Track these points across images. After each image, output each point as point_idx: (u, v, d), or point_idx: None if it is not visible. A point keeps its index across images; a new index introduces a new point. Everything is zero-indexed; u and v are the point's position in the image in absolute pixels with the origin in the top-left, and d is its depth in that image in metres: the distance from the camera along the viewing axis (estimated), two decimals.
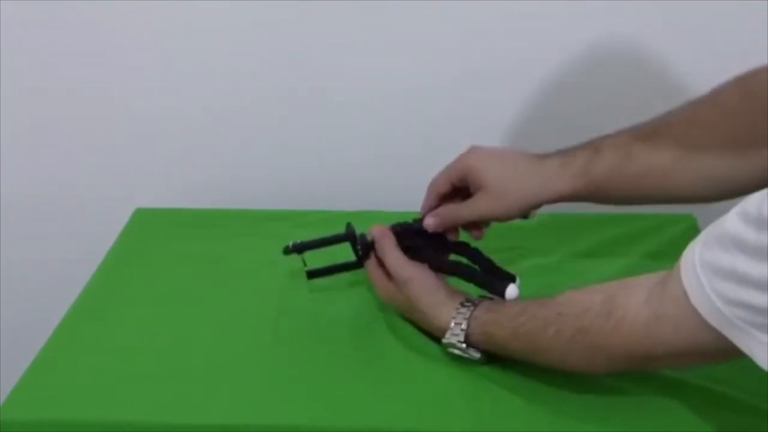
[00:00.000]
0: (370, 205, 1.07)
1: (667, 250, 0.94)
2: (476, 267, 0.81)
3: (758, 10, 0.98)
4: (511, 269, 0.80)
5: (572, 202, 0.78)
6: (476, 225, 0.82)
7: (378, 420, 0.70)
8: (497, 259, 0.82)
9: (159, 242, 1.00)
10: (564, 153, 0.78)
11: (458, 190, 0.81)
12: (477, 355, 0.74)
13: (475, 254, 0.81)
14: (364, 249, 0.84)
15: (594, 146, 0.76)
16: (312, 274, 0.87)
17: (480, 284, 0.79)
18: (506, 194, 0.77)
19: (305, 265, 0.86)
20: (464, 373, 0.75)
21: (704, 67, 1.02)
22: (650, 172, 0.74)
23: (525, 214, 0.80)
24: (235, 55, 1.04)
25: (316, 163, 1.11)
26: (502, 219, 0.80)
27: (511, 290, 0.76)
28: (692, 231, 0.97)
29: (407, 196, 1.06)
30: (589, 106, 1.05)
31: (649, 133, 0.75)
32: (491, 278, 0.79)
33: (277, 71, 1.05)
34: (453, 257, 0.83)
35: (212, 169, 1.13)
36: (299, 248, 0.85)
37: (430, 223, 0.81)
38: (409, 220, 0.85)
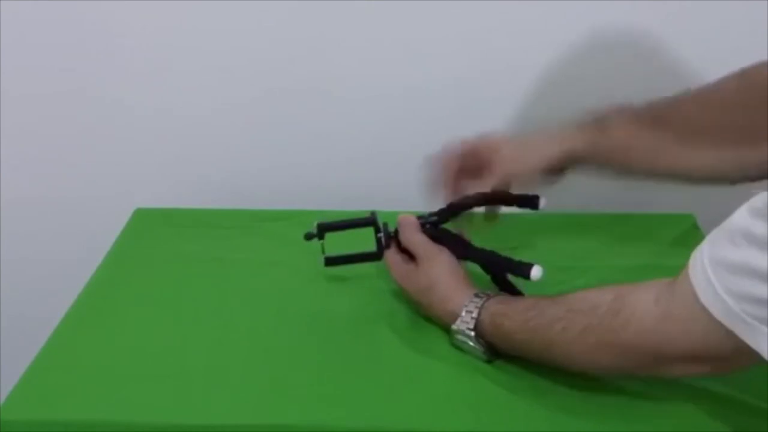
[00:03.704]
0: (369, 205, 1.07)
1: (667, 250, 0.94)
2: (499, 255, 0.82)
3: (758, 10, 0.98)
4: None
5: (586, 163, 0.81)
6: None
7: (378, 420, 0.70)
8: None
9: (159, 242, 1.00)
10: (576, 122, 0.82)
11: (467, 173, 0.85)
12: (481, 348, 0.74)
13: (492, 255, 0.81)
14: (386, 238, 0.84)
15: (606, 114, 0.82)
16: (330, 261, 0.87)
17: (505, 269, 0.80)
18: (523, 146, 0.82)
19: (324, 251, 0.86)
20: (464, 373, 0.75)
21: (704, 66, 1.02)
22: (656, 153, 0.77)
23: (545, 175, 0.83)
24: (235, 55, 1.04)
25: (316, 163, 1.11)
26: (525, 172, 0.83)
27: (536, 270, 0.76)
28: (692, 231, 0.97)
29: (407, 195, 1.06)
30: (589, 104, 1.05)
31: (653, 117, 0.78)
32: (516, 262, 0.79)
33: (277, 71, 1.05)
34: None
35: (212, 169, 1.13)
36: (322, 230, 0.85)
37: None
38: (429, 217, 0.86)
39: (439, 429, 0.70)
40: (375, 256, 0.86)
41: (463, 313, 0.74)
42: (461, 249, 0.81)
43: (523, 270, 0.77)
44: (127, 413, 0.72)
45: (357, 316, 0.84)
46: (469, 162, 0.84)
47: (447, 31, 1.02)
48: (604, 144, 0.80)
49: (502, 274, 0.81)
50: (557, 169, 0.83)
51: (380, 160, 1.11)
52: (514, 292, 0.80)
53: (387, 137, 1.09)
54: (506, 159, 0.83)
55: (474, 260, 0.81)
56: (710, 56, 1.01)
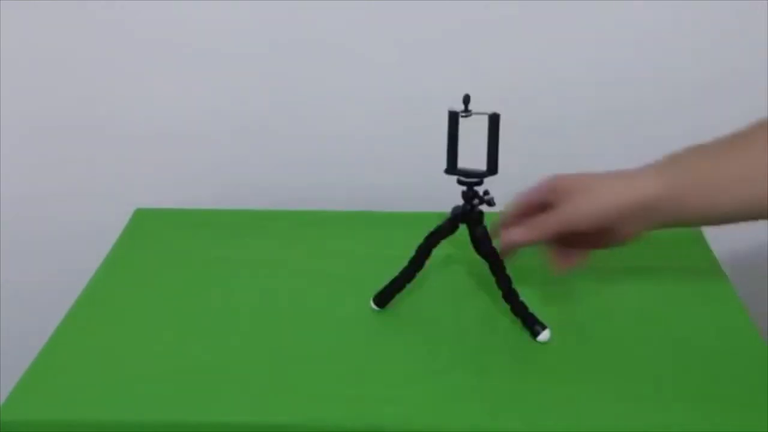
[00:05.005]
0: (370, 205, 1.07)
1: (667, 251, 0.94)
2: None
3: (758, 10, 0.98)
4: (507, 267, 0.81)
5: (660, 216, 0.70)
6: (569, 246, 0.75)
7: (378, 420, 0.70)
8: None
9: (159, 242, 1.00)
10: (653, 162, 0.71)
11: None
12: None
13: (515, 294, 0.80)
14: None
15: (680, 152, 0.70)
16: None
17: (521, 314, 0.80)
18: (587, 193, 0.70)
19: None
20: (464, 373, 0.75)
21: (704, 66, 1.02)
22: (739, 178, 0.67)
23: (614, 228, 0.71)
24: (235, 55, 1.04)
25: (316, 163, 1.11)
26: (586, 223, 0.70)
27: (545, 335, 0.78)
28: (692, 231, 0.97)
29: (408, 196, 1.07)
30: (588, 104, 1.05)
31: (738, 138, 0.68)
32: (531, 316, 0.79)
33: (277, 72, 1.05)
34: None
35: (212, 169, 1.13)
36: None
37: (516, 237, 0.72)
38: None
39: (439, 429, 0.70)
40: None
41: None
42: (497, 267, 0.79)
43: (534, 328, 0.79)
44: (127, 413, 0.72)
45: (357, 315, 0.84)
46: (547, 195, 0.74)
47: (448, 31, 1.02)
48: (680, 179, 0.68)
49: (517, 309, 0.80)
50: (627, 221, 0.71)
51: (381, 161, 1.11)
52: (535, 332, 0.79)
53: (388, 138, 1.09)
54: (570, 207, 0.71)
55: (498, 284, 0.80)
56: (710, 62, 1.02)
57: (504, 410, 0.71)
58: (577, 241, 0.73)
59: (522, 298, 0.80)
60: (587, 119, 1.06)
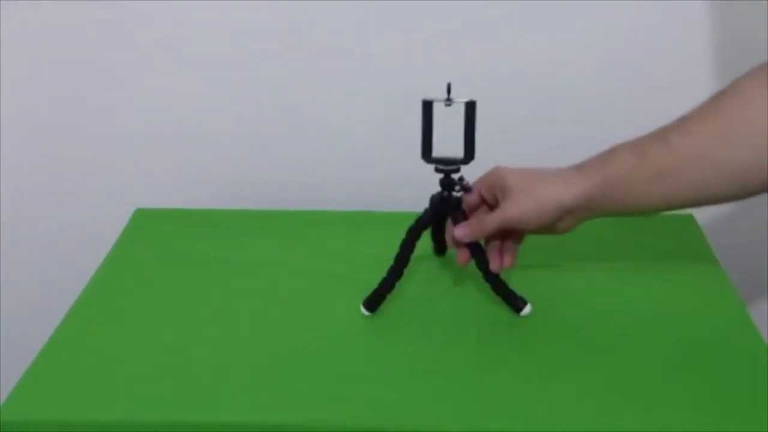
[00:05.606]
0: (369, 205, 1.07)
1: (667, 251, 0.94)
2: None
3: (758, 10, 0.98)
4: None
5: (593, 212, 0.74)
6: (508, 241, 0.80)
7: (379, 419, 0.70)
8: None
9: (159, 242, 1.00)
10: (583, 161, 0.75)
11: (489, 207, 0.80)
12: None
13: (494, 273, 0.81)
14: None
15: (609, 151, 0.74)
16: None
17: (501, 292, 0.82)
18: (528, 193, 0.75)
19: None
20: (464, 372, 0.75)
21: (704, 67, 1.02)
22: (666, 170, 0.70)
23: (553, 224, 0.75)
24: (235, 55, 1.04)
25: (315, 163, 1.11)
26: (527, 222, 0.75)
27: (527, 309, 0.81)
28: (692, 231, 0.97)
29: (408, 196, 1.06)
30: (588, 105, 1.05)
31: (665, 131, 0.71)
32: (513, 294, 0.82)
33: (278, 71, 1.05)
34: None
35: (212, 169, 1.13)
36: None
37: (460, 233, 0.78)
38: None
39: (440, 429, 0.70)
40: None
41: None
42: (475, 250, 0.80)
43: (516, 304, 0.81)
44: (128, 413, 0.72)
45: (357, 315, 0.84)
46: (487, 194, 0.79)
47: (449, 30, 1.02)
48: (610, 176, 0.72)
49: (497, 287, 0.82)
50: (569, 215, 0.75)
51: (381, 160, 1.11)
52: (517, 308, 0.82)
53: (388, 138, 1.09)
54: (507, 208, 0.76)
55: (478, 266, 0.81)
56: (711, 63, 1.02)
57: (503, 410, 0.71)
58: (515, 230, 0.79)
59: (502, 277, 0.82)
60: (584, 115, 1.06)
